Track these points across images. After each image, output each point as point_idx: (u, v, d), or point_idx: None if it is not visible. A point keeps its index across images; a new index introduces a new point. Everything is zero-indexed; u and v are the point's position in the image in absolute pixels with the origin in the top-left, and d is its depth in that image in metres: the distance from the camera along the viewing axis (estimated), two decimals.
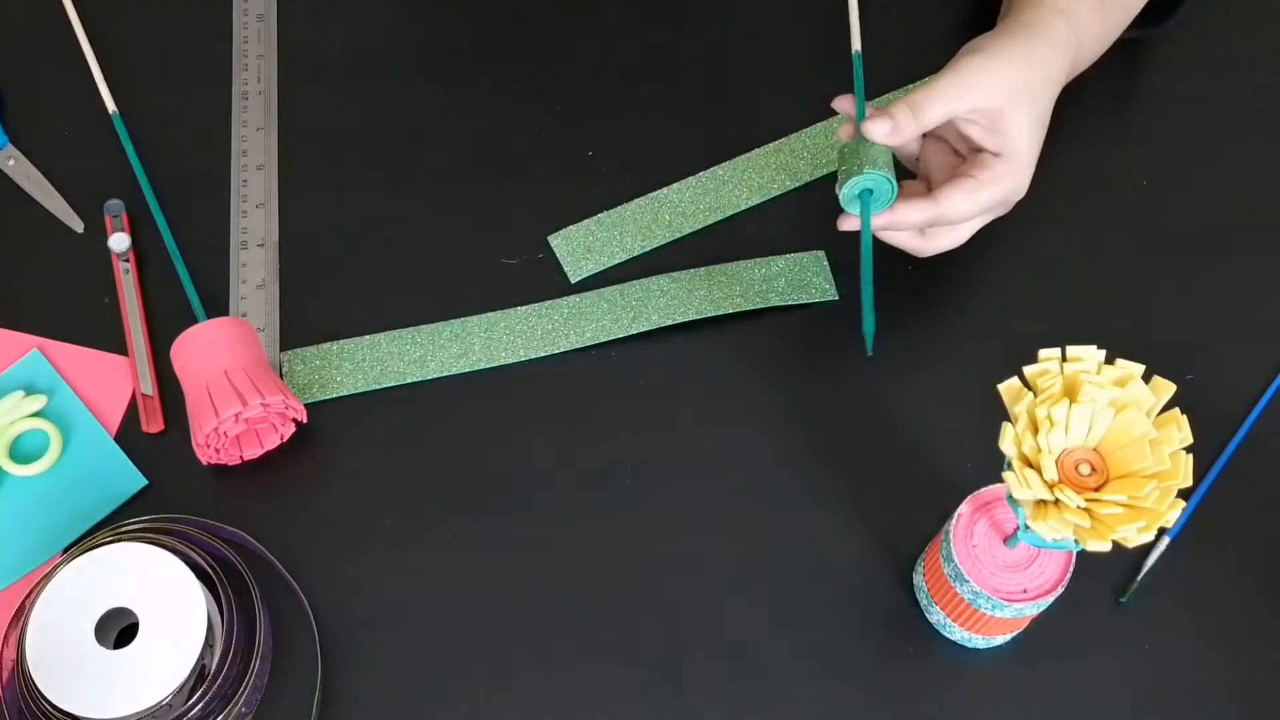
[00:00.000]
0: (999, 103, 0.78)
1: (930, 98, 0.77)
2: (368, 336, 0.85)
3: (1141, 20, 0.89)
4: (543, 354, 0.85)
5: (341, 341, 0.85)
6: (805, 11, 0.97)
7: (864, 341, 0.77)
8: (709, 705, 0.76)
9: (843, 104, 0.80)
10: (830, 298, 0.86)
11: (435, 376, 0.84)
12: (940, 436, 0.83)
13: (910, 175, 0.83)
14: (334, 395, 0.83)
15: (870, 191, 0.77)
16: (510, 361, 0.84)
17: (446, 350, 0.85)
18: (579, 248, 0.88)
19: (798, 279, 0.86)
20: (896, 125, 0.77)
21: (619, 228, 0.88)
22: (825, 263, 0.87)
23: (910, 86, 0.93)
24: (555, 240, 0.88)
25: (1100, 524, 0.62)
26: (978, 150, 0.80)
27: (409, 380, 0.84)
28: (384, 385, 0.84)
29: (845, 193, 0.77)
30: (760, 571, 0.79)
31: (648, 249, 0.88)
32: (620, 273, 0.87)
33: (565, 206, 0.89)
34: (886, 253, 0.82)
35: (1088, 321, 0.86)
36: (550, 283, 0.87)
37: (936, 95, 0.77)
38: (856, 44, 0.87)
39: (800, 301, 0.86)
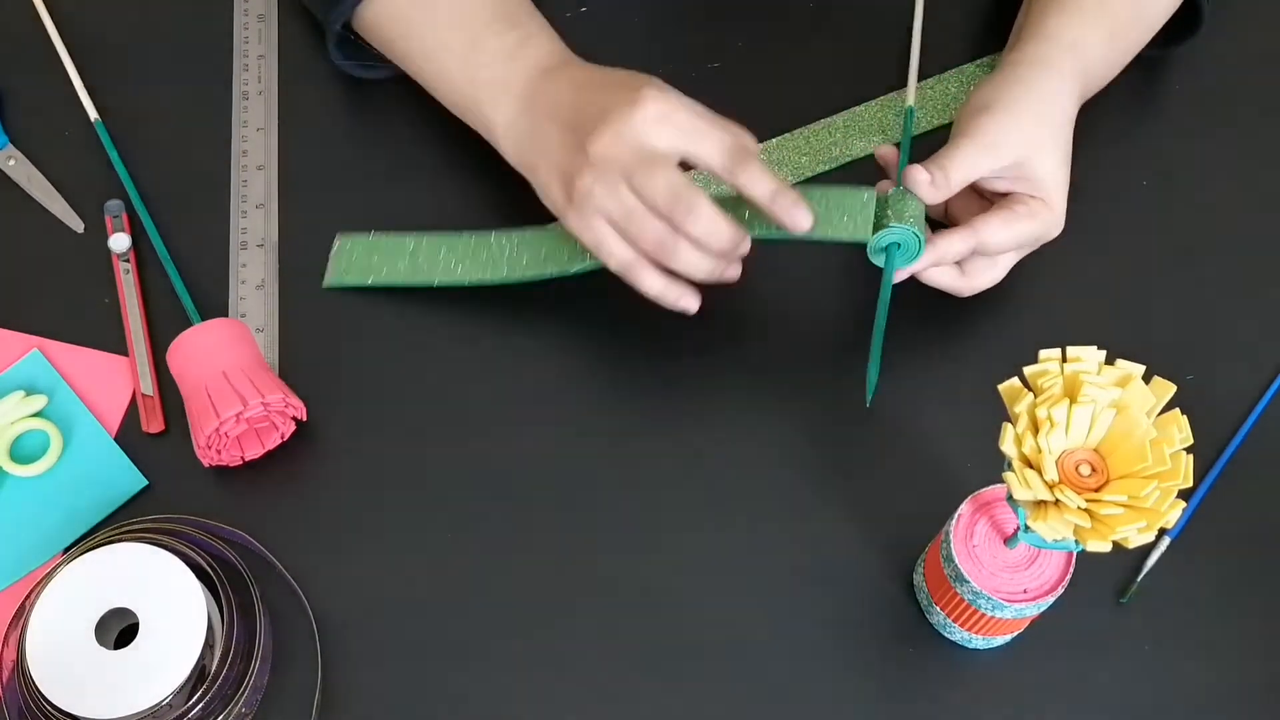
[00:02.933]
0: (1019, 155, 0.78)
1: (952, 164, 0.77)
2: (412, 234, 0.87)
3: (1160, 40, 0.89)
4: (585, 267, 0.83)
5: (391, 234, 0.87)
6: (806, 15, 0.97)
7: (866, 390, 0.76)
8: (709, 706, 0.76)
9: (884, 153, 0.81)
10: (861, 238, 0.78)
11: (469, 281, 0.85)
12: (940, 436, 0.83)
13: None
14: (371, 284, 0.85)
15: (898, 246, 0.77)
16: (544, 275, 0.83)
17: (475, 258, 0.85)
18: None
19: (836, 205, 0.78)
20: (934, 180, 0.77)
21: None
22: (871, 202, 0.79)
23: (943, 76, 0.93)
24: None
25: (1100, 524, 0.62)
26: (1010, 193, 0.80)
27: (438, 283, 0.85)
28: (418, 284, 0.85)
29: (873, 244, 0.77)
30: (760, 572, 0.79)
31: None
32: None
33: None
34: None
35: (1088, 321, 0.86)
36: (552, 281, 0.87)
37: (956, 162, 0.77)
38: (911, 98, 0.88)
39: (828, 237, 0.78)
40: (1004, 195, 0.81)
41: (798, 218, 0.75)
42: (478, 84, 0.82)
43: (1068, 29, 0.82)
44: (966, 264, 0.81)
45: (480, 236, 0.87)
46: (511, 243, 0.86)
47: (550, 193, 0.79)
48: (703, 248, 0.75)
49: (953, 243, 0.78)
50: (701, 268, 0.76)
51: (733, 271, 0.78)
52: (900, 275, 0.79)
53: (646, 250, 0.76)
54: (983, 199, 0.82)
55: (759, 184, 0.74)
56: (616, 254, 0.77)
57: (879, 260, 0.79)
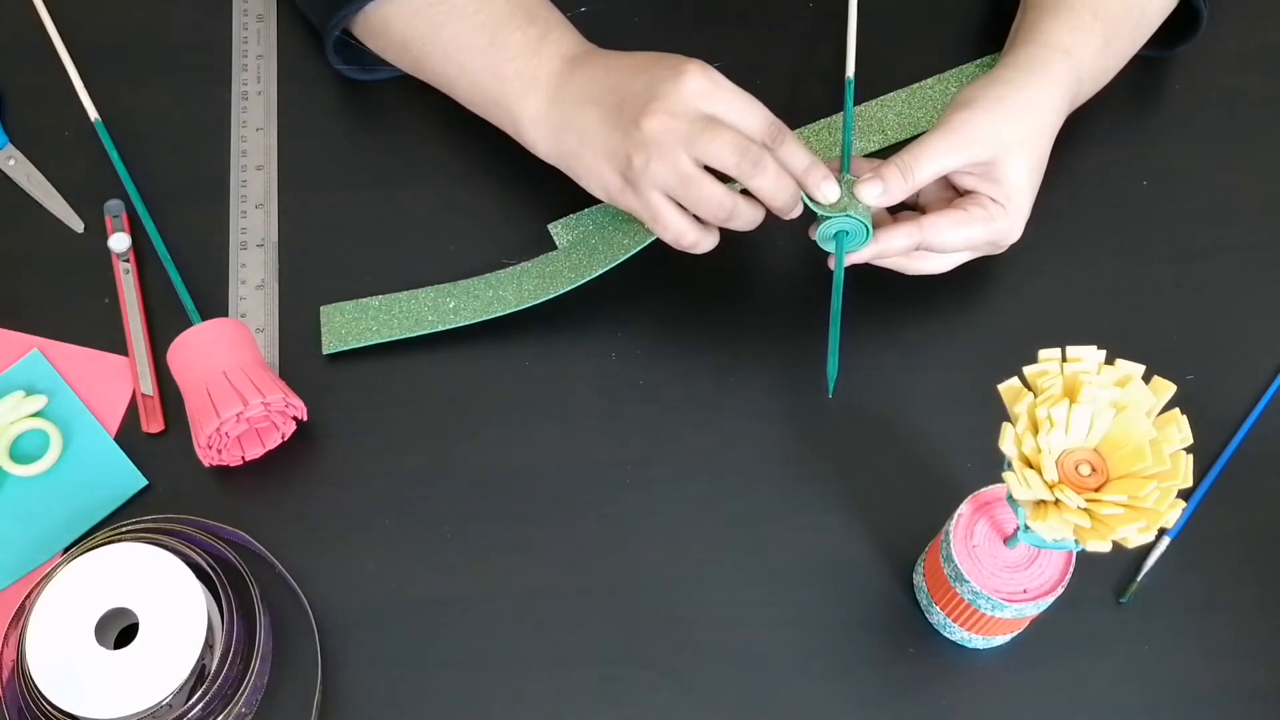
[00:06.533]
0: (991, 154, 0.78)
1: (919, 158, 0.78)
2: (404, 292, 0.86)
3: (1155, 43, 0.89)
4: (583, 280, 0.83)
5: (379, 297, 0.86)
6: (806, 15, 0.97)
7: (830, 382, 0.77)
8: (709, 705, 0.76)
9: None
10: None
11: (467, 323, 0.84)
12: (940, 436, 0.83)
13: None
14: (371, 342, 0.84)
15: (846, 233, 0.78)
16: (547, 298, 0.84)
17: (477, 299, 0.85)
18: (581, 236, 0.87)
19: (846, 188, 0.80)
20: (887, 188, 0.77)
21: (617, 220, 0.87)
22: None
23: (905, 90, 0.93)
24: (555, 228, 0.88)
25: (1100, 524, 0.62)
26: (973, 191, 0.80)
27: (441, 328, 0.84)
28: (418, 333, 0.84)
29: (821, 232, 0.79)
30: (760, 572, 0.79)
31: (646, 243, 0.86)
32: (621, 265, 0.86)
33: (566, 205, 0.89)
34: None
35: (1088, 321, 0.86)
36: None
37: (926, 155, 0.78)
38: (851, 69, 0.87)
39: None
40: (967, 192, 0.80)
41: (827, 192, 0.78)
42: (502, 80, 0.83)
43: (1062, 34, 0.82)
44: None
45: (476, 279, 0.86)
46: (513, 276, 0.86)
47: (601, 177, 0.80)
48: (764, 200, 0.78)
49: (896, 238, 0.79)
50: (757, 221, 0.80)
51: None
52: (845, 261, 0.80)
53: (706, 214, 0.78)
54: (955, 189, 0.82)
55: (796, 157, 0.78)
56: (674, 225, 0.79)
57: (828, 246, 0.79)
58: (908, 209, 0.83)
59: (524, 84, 0.82)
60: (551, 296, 0.84)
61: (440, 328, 0.84)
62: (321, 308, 0.86)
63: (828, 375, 0.77)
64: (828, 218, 0.77)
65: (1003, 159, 0.78)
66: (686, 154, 0.76)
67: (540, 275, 0.85)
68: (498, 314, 0.84)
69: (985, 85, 0.80)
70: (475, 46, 0.84)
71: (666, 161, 0.76)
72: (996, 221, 0.79)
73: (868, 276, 0.82)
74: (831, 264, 0.79)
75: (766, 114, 0.78)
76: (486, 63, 0.83)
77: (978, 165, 0.78)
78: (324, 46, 0.89)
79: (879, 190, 0.77)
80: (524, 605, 0.79)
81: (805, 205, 0.79)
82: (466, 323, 0.84)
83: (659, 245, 0.82)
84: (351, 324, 0.85)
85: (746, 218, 0.79)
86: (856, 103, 0.92)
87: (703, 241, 0.80)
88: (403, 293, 0.86)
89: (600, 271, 0.83)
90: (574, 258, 0.85)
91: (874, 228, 0.78)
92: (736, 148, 0.76)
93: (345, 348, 0.85)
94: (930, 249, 0.80)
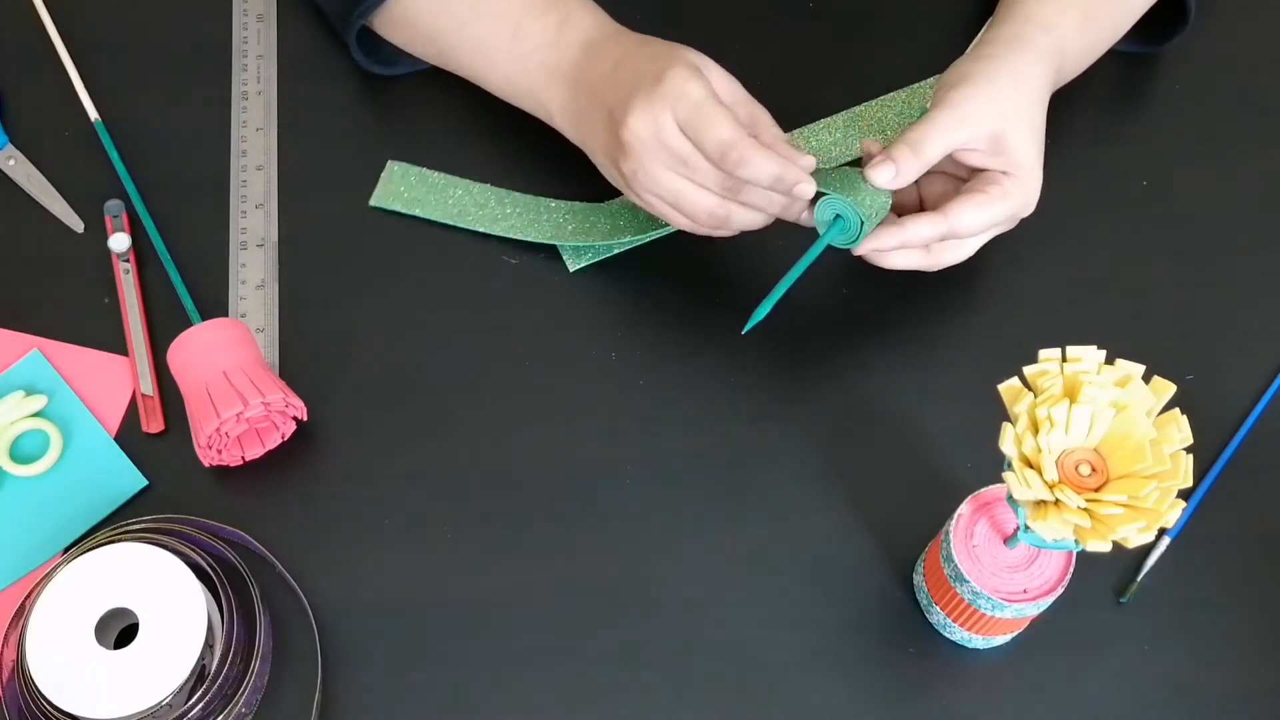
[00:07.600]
0: (996, 126, 0.78)
1: (928, 136, 0.77)
2: (467, 181, 0.89)
3: (1144, 38, 0.89)
4: (616, 242, 0.87)
5: (444, 175, 0.89)
6: (805, 15, 0.97)
7: (755, 314, 0.76)
8: (709, 705, 0.76)
9: (869, 146, 0.81)
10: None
11: (503, 235, 0.87)
12: (940, 436, 0.83)
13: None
14: (416, 213, 0.88)
15: (840, 219, 0.78)
16: (581, 244, 0.87)
17: (521, 217, 0.88)
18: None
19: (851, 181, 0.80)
20: (900, 169, 0.77)
21: (622, 216, 0.87)
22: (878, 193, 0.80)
23: (905, 90, 0.93)
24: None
25: (1100, 524, 0.62)
26: (983, 169, 0.80)
27: (479, 229, 0.87)
28: (460, 225, 0.88)
29: (819, 214, 0.78)
30: (760, 571, 0.79)
31: (658, 234, 0.86)
32: (621, 265, 0.86)
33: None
34: None
35: (1087, 321, 0.86)
36: (552, 281, 0.87)
37: (934, 132, 0.77)
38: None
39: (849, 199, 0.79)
40: (977, 174, 0.80)
41: (804, 191, 0.76)
42: (529, 72, 0.84)
43: (1040, 10, 0.82)
44: (933, 244, 0.81)
45: (532, 198, 0.88)
46: (561, 210, 0.88)
47: (607, 172, 0.82)
48: (759, 203, 0.78)
49: (921, 227, 0.78)
50: (756, 222, 0.80)
51: (796, 209, 0.79)
52: (863, 249, 0.78)
53: (699, 222, 0.79)
54: (954, 179, 0.82)
55: (761, 172, 0.75)
56: (679, 222, 0.80)
57: (820, 226, 0.79)
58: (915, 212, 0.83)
59: (548, 75, 0.83)
60: (583, 244, 0.87)
61: (479, 228, 0.87)
62: (390, 162, 0.90)
63: (756, 314, 0.76)
64: (834, 198, 0.76)
65: (1007, 130, 0.78)
66: (668, 170, 0.77)
67: (584, 219, 0.87)
68: (535, 239, 0.87)
69: (973, 62, 0.80)
70: (500, 38, 0.84)
71: (651, 176, 0.77)
72: (1014, 195, 0.79)
73: (869, 277, 0.82)
74: (860, 253, 0.78)
75: (720, 139, 0.75)
76: (512, 55, 0.84)
77: (984, 139, 0.78)
78: (346, 43, 0.89)
79: (890, 173, 0.76)
80: (524, 605, 0.78)
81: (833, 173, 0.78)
82: (503, 235, 0.87)
83: (673, 237, 0.83)
84: (409, 189, 0.89)
85: (743, 222, 0.79)
86: (856, 103, 0.92)
87: (717, 230, 0.80)
88: (465, 180, 0.89)
89: (631, 244, 0.86)
90: (616, 220, 0.87)
91: (900, 217, 0.78)
92: (715, 178, 0.77)
93: (391, 208, 0.88)
94: (957, 235, 0.79)
